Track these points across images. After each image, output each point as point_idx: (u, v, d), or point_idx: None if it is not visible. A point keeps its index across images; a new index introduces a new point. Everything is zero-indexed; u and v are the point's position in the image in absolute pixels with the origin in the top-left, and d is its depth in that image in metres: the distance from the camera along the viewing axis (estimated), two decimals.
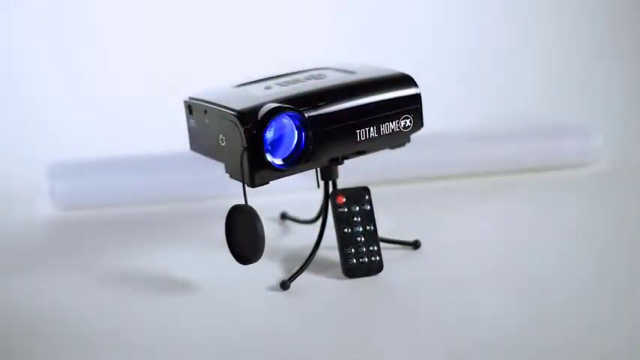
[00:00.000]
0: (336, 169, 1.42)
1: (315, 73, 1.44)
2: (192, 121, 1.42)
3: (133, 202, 1.79)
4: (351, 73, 1.42)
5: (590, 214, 1.63)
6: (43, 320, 1.32)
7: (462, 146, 1.88)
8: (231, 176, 1.34)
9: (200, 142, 1.42)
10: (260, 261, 1.32)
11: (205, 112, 1.36)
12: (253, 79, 1.44)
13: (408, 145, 1.43)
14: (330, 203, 1.41)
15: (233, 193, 1.35)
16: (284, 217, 1.66)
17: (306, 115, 1.30)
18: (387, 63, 1.46)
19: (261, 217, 1.29)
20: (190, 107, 1.41)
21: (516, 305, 1.29)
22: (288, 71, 1.46)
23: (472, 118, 2.10)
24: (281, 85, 1.39)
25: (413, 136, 1.42)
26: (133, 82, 2.14)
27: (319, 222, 1.44)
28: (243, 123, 1.27)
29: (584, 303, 1.28)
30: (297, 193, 1.65)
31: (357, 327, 1.27)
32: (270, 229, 1.59)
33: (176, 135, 1.54)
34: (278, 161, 1.30)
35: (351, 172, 1.48)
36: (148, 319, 1.31)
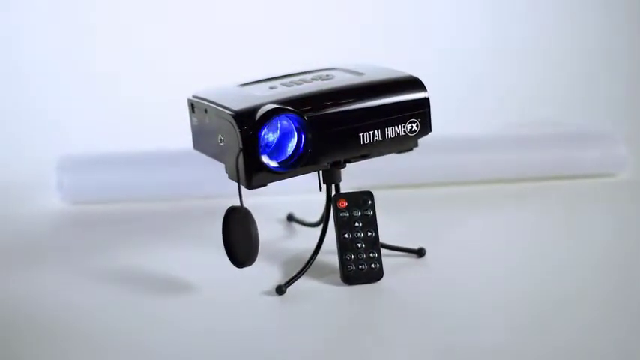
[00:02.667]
0: (339, 173, 1.39)
1: (323, 73, 1.41)
2: (195, 120, 1.40)
3: (140, 199, 1.78)
4: (359, 74, 1.39)
5: (606, 225, 1.59)
6: (44, 316, 1.31)
7: (475, 152, 1.85)
8: (230, 177, 1.32)
9: (202, 141, 1.40)
10: (260, 263, 1.30)
11: (206, 111, 1.34)
12: (259, 78, 1.42)
13: (416, 149, 1.39)
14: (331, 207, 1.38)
15: (243, 192, 1.33)
16: (290, 219, 1.64)
17: (306, 116, 1.27)
18: (398, 64, 1.43)
19: (267, 218, 1.28)
20: (193, 105, 1.39)
21: (521, 317, 1.26)
22: (296, 71, 1.43)
23: (485, 123, 2.07)
24: (286, 85, 1.37)
25: (421, 140, 1.38)
26: (142, 80, 2.14)
27: None
28: (239, 124, 1.25)
29: (590, 315, 1.25)
30: (307, 194, 1.62)
31: (352, 335, 1.24)
32: (275, 231, 1.59)
33: (185, 133, 1.52)
34: (273, 164, 1.27)
35: (356, 176, 1.45)
36: (143, 317, 1.30)
